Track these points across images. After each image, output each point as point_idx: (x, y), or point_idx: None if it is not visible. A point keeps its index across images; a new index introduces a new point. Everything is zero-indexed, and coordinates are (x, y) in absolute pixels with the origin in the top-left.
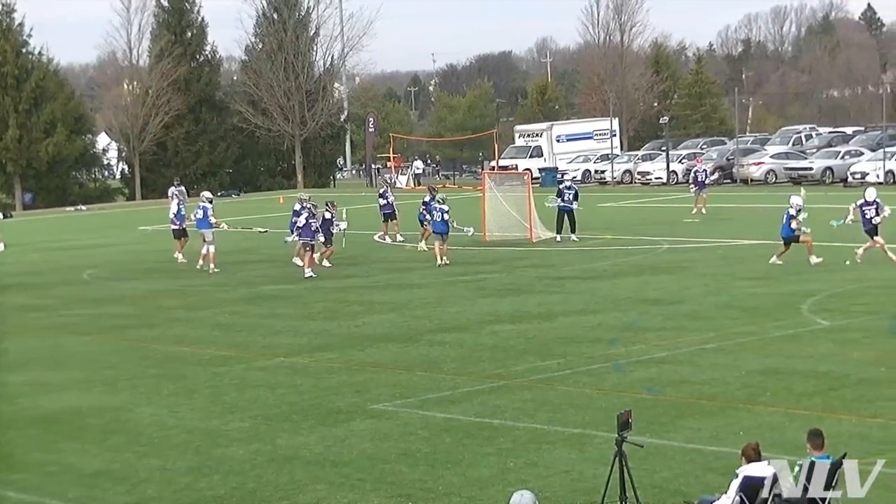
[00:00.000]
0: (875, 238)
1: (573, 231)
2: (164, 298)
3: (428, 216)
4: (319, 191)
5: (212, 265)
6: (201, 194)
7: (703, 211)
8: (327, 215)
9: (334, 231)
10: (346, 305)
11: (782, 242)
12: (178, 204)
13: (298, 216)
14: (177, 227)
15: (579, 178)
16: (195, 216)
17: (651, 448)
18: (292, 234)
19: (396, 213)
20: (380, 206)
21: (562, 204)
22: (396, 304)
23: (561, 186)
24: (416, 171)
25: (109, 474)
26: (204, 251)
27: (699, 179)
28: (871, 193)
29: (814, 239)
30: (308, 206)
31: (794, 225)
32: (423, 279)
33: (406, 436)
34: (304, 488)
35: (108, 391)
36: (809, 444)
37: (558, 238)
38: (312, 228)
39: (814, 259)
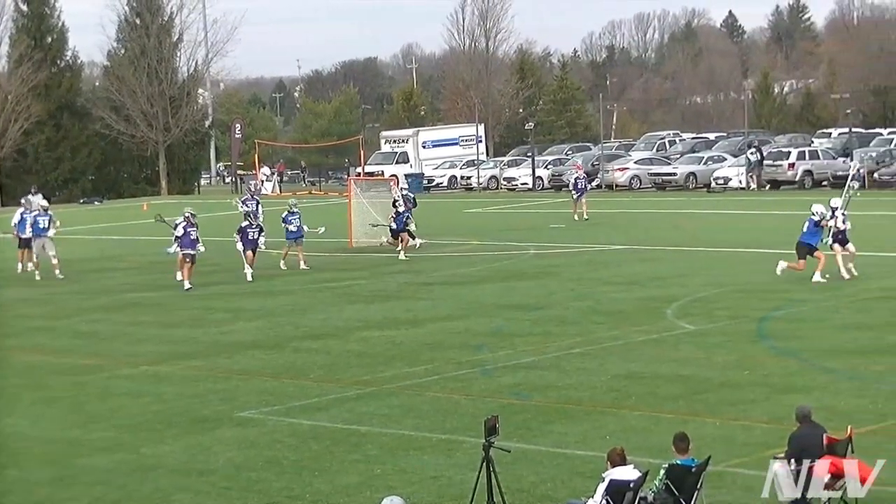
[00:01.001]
0: (844, 247)
1: (412, 237)
2: (23, 307)
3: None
4: (183, 198)
5: (57, 271)
6: (32, 201)
7: (585, 217)
8: (180, 231)
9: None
10: (212, 313)
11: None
12: (22, 213)
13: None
14: (23, 237)
15: (445, 183)
16: (32, 224)
17: (518, 453)
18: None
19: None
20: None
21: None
22: (263, 312)
23: (399, 194)
24: (263, 178)
25: None
26: (53, 260)
27: (579, 186)
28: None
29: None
30: (188, 215)
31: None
32: (289, 286)
33: (273, 443)
34: (168, 498)
35: None
36: (674, 447)
37: (418, 243)
38: (192, 238)
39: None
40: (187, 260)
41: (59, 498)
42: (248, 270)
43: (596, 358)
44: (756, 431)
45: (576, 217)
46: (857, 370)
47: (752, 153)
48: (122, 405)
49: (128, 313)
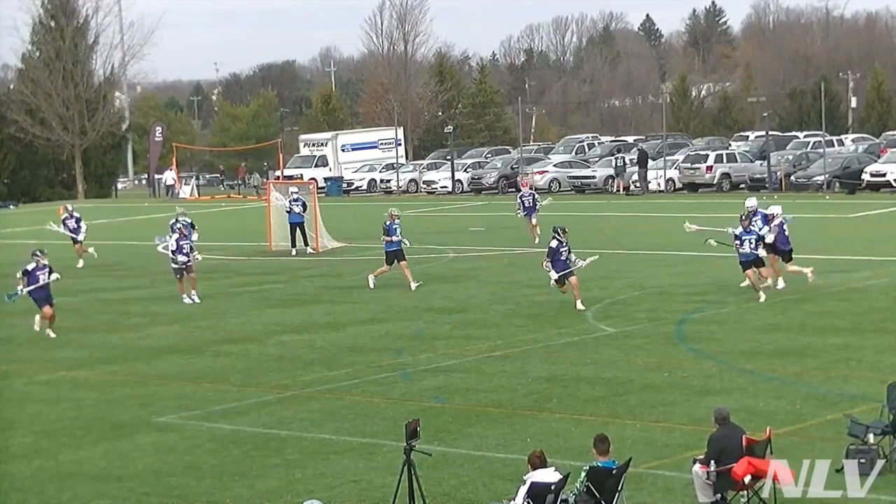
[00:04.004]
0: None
1: (306, 243)
2: None
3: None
4: (100, 201)
5: None
6: None
7: (537, 235)
8: (30, 266)
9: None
10: (129, 317)
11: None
12: None
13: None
14: None
15: (365, 187)
16: None
17: (439, 456)
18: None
19: None
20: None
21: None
22: (180, 316)
23: (289, 199)
24: (168, 183)
25: None
26: None
27: (527, 205)
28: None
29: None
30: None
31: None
32: (206, 290)
33: (192, 448)
34: None
35: None
36: (595, 449)
37: (294, 252)
38: (41, 282)
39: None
40: (189, 273)
41: None
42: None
43: (516, 361)
44: (676, 433)
45: (536, 241)
46: (775, 371)
47: (618, 158)
48: (40, 411)
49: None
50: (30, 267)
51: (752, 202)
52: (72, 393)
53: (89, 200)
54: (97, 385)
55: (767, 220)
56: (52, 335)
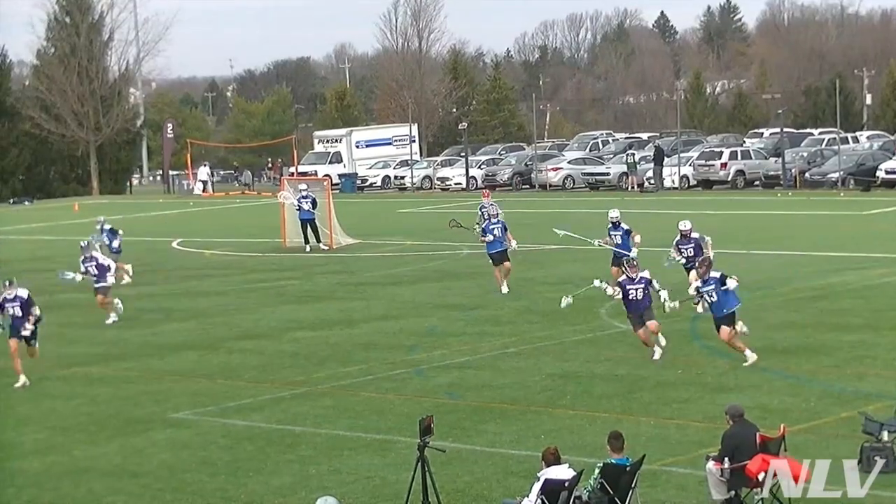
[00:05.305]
0: None
1: (318, 240)
2: None
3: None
4: (115, 198)
5: None
6: None
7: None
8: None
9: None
10: (144, 313)
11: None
12: None
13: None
14: None
15: (379, 183)
16: None
17: (453, 453)
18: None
19: None
20: None
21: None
22: (195, 312)
23: (298, 197)
24: (203, 178)
25: None
26: None
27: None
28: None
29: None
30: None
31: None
32: (221, 286)
33: (206, 444)
34: (101, 500)
35: None
36: (609, 446)
37: (307, 249)
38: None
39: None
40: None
41: None
42: None
43: (530, 357)
44: (690, 430)
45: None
46: (790, 369)
47: (629, 155)
48: (55, 407)
49: (59, 314)
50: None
51: (614, 213)
52: (86, 389)
53: (104, 196)
54: (112, 381)
55: (629, 234)
56: (26, 382)
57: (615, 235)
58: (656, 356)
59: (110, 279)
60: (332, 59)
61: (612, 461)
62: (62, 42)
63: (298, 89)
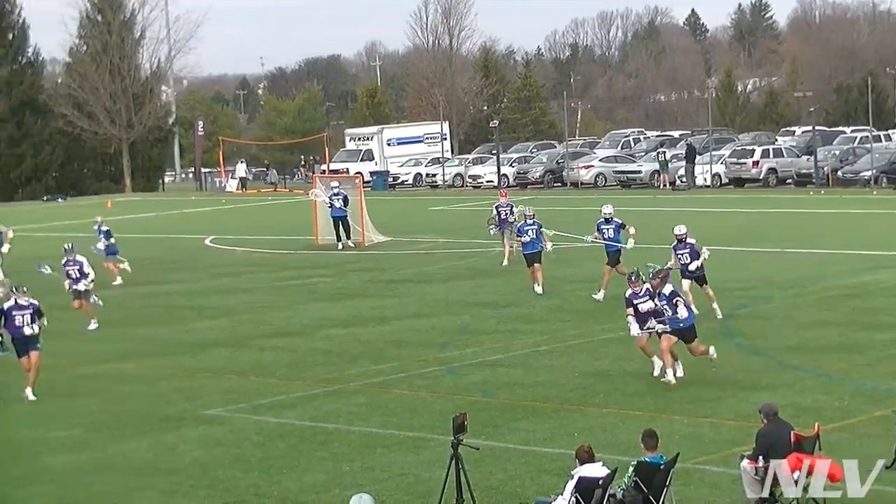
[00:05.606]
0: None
1: (348, 237)
2: None
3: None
4: (147, 195)
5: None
6: None
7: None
8: (6, 304)
9: None
10: (175, 311)
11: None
12: None
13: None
14: None
15: (410, 181)
16: None
17: (486, 450)
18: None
19: None
20: None
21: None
22: (226, 309)
23: (330, 195)
24: (241, 175)
25: None
26: None
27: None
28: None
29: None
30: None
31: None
32: (252, 283)
33: (239, 441)
34: (133, 496)
35: None
36: (643, 444)
37: (340, 246)
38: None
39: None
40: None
41: (23, 496)
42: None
43: (563, 356)
44: (723, 429)
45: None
46: (822, 368)
47: (660, 153)
48: (87, 404)
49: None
50: (5, 305)
51: (607, 209)
52: (118, 386)
53: (136, 194)
54: (144, 378)
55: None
56: (32, 397)
57: (607, 230)
58: (656, 372)
59: (82, 285)
60: (363, 56)
61: (646, 459)
62: (94, 40)
63: (329, 87)
